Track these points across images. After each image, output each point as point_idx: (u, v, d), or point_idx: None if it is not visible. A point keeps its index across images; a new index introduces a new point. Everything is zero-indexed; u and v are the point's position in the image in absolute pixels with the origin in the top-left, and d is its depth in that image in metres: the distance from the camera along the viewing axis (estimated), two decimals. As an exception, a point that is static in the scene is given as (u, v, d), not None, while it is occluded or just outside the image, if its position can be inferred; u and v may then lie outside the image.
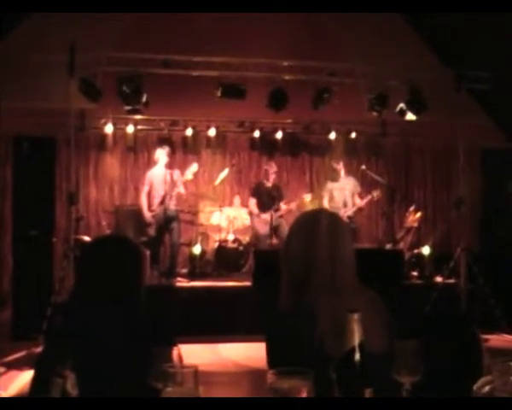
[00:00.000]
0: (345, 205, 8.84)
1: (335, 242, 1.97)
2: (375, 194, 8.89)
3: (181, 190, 8.06)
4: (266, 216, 8.68)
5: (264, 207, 8.77)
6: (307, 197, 8.98)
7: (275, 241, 8.48)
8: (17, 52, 6.81)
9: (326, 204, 8.92)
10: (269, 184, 8.99)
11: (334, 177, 9.02)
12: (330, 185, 9.04)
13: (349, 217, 8.72)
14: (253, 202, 8.98)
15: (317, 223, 2.00)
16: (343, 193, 8.89)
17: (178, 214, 8.21)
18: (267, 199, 8.80)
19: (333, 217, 2.08)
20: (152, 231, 7.96)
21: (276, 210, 8.76)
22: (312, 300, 1.88)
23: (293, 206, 8.81)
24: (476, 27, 6.90)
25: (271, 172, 8.99)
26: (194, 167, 8.19)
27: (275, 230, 8.57)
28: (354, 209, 8.85)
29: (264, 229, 8.65)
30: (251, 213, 9.04)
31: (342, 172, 8.98)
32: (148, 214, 7.99)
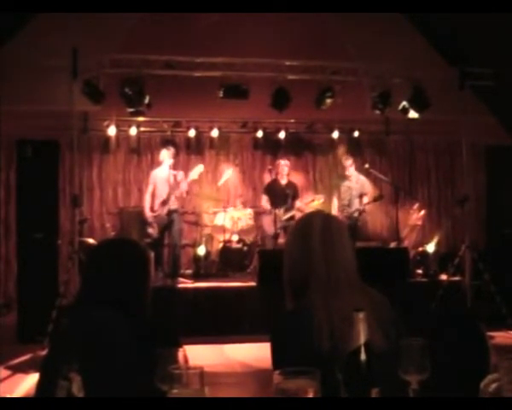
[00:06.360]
0: (350, 204, 8.82)
1: (329, 243, 1.95)
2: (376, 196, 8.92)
3: (183, 192, 8.03)
4: (279, 214, 8.50)
5: (276, 205, 8.59)
6: (320, 199, 8.91)
7: (282, 241, 8.30)
8: (20, 55, 6.82)
9: (335, 203, 8.91)
10: (283, 182, 8.89)
11: (343, 175, 9.00)
12: (339, 183, 9.02)
13: (354, 216, 8.70)
14: (265, 199, 8.88)
15: (309, 227, 2.00)
16: (350, 192, 8.87)
17: (179, 215, 8.19)
18: (280, 197, 8.64)
19: (326, 218, 2.06)
20: (155, 232, 7.96)
21: (288, 209, 8.68)
22: (314, 301, 1.87)
23: (304, 207, 8.68)
24: (480, 23, 6.87)
25: (285, 168, 8.87)
26: (199, 168, 8.16)
27: (284, 230, 8.47)
28: (357, 210, 8.81)
29: (272, 228, 8.48)
30: (258, 213, 8.99)
31: (352, 171, 8.93)
32: (149, 214, 7.99)
